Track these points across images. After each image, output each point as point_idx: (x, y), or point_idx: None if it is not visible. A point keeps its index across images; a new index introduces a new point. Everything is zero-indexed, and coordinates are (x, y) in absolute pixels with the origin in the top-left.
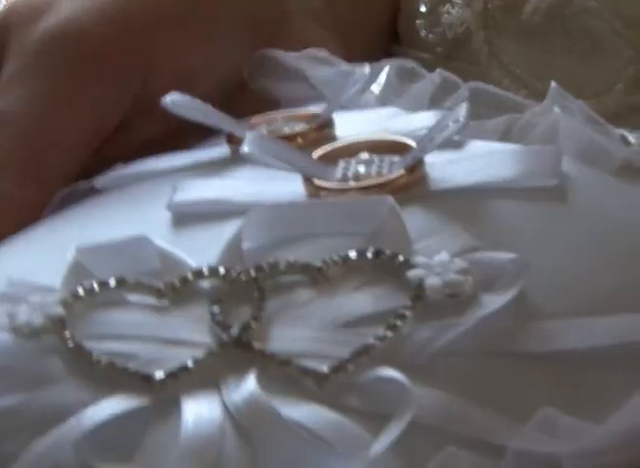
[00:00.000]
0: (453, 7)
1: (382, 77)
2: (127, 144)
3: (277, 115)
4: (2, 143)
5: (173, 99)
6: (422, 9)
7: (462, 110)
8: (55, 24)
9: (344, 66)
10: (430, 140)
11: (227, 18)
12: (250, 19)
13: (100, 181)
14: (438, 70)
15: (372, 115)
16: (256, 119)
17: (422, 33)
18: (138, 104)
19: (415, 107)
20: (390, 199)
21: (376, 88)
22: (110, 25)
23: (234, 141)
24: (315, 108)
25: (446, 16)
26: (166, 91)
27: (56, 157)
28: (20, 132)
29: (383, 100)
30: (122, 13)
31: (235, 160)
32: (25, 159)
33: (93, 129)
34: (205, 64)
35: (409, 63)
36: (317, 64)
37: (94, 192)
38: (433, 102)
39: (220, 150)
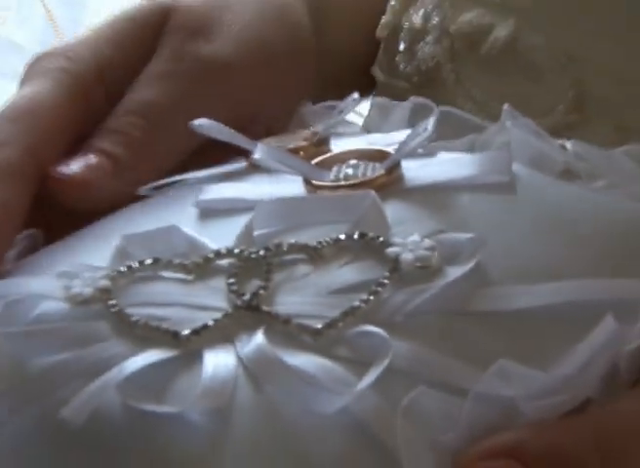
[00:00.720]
0: (426, 45)
1: (365, 110)
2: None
3: (284, 135)
4: (138, 122)
5: (200, 123)
6: (401, 47)
7: (430, 121)
8: (211, 53)
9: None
10: (405, 146)
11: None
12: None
13: (143, 190)
14: (411, 98)
15: (360, 138)
16: (266, 139)
17: (402, 66)
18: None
19: (395, 130)
20: (372, 193)
21: (358, 119)
22: (244, 68)
23: (250, 158)
24: (315, 129)
25: (420, 52)
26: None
27: (171, 145)
28: (158, 116)
29: (366, 129)
30: (256, 59)
31: (250, 171)
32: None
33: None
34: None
35: (382, 100)
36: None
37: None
38: (411, 125)
39: (238, 165)
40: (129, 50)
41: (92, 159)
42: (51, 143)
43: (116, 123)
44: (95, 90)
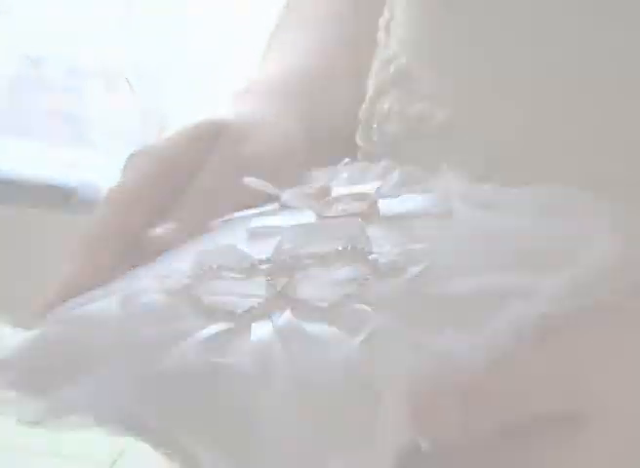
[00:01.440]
0: (391, 125)
1: (351, 170)
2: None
3: (302, 187)
4: (202, 200)
5: (249, 180)
6: (375, 126)
7: (395, 176)
8: (249, 152)
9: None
10: (379, 191)
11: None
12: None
13: (213, 223)
14: (382, 161)
15: (350, 187)
16: (290, 189)
17: (375, 138)
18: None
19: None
20: (359, 220)
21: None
22: (267, 163)
23: (280, 200)
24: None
25: (387, 131)
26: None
27: (225, 210)
28: (215, 196)
29: (352, 181)
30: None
31: (280, 209)
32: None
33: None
34: None
35: (363, 163)
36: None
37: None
38: (383, 178)
39: (272, 205)
40: (198, 149)
41: (171, 224)
42: (133, 219)
43: (187, 199)
44: (168, 176)
